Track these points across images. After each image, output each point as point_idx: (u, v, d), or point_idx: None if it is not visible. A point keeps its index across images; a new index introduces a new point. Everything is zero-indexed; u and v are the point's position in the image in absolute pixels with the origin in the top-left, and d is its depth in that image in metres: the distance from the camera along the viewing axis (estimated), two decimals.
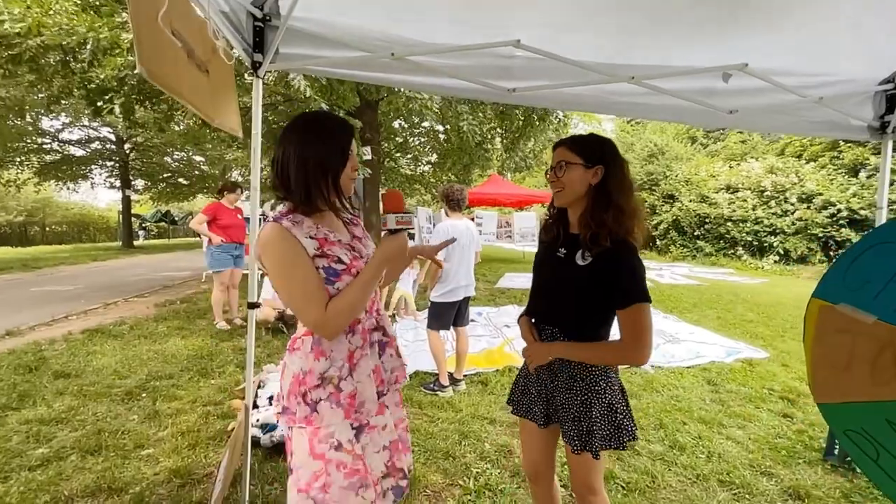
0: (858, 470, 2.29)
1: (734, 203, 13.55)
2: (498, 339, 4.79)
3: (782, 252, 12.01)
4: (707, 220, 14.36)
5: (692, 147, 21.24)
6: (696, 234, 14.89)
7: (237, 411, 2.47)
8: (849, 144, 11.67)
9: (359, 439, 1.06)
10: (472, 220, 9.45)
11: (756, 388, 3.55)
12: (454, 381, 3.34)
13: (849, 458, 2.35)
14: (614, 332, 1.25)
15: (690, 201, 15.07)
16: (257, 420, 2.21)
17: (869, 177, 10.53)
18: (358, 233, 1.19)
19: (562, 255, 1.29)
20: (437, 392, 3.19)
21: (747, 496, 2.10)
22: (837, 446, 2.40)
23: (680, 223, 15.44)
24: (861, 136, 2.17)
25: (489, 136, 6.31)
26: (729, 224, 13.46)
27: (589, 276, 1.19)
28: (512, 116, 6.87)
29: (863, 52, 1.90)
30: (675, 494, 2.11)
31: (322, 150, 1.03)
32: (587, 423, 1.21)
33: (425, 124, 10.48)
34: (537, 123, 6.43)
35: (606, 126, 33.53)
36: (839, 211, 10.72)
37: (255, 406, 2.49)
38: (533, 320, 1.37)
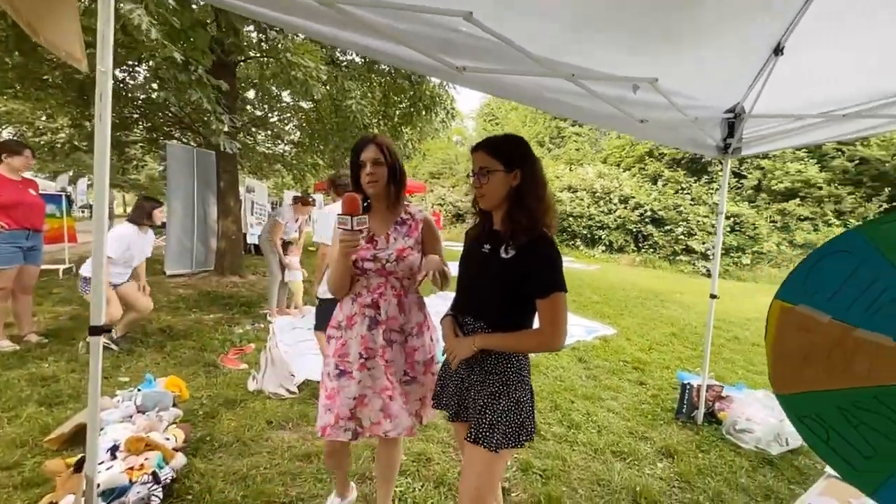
0: (705, 425, 2.85)
1: (574, 201, 15.98)
2: None
3: (608, 243, 14.71)
4: None
5: (541, 150, 24.21)
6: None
7: (56, 476, 1.72)
8: (651, 158, 14.92)
9: (339, 379, 1.43)
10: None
11: (614, 361, 4.17)
12: None
13: (693, 415, 2.92)
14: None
15: None
16: (97, 485, 1.56)
17: (664, 185, 13.71)
18: (394, 230, 1.50)
19: (486, 250, 1.33)
20: None
21: (636, 462, 2.40)
22: (685, 405, 2.95)
23: None
24: (713, 153, 2.66)
25: (375, 120, 5.87)
26: (570, 219, 15.82)
27: (513, 268, 1.24)
28: (395, 103, 6.55)
29: (718, 83, 2.30)
30: (584, 472, 2.27)
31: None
32: (491, 415, 1.24)
33: (287, 99, 9.38)
34: (423, 113, 6.30)
35: (468, 123, 35.74)
36: (646, 211, 13.68)
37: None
38: (459, 318, 1.39)
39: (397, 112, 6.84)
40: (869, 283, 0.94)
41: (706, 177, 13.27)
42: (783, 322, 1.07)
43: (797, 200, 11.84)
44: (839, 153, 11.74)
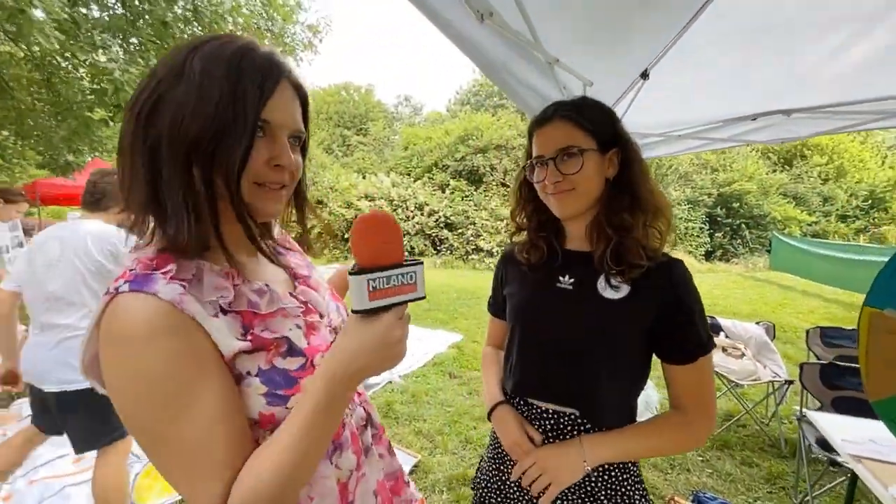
0: None
1: (373, 209, 16.07)
2: None
3: (410, 249, 15.41)
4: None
5: (329, 157, 23.40)
6: (345, 236, 16.50)
7: None
8: (437, 169, 16.44)
9: None
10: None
11: (477, 367, 4.16)
12: None
13: None
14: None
15: (339, 206, 16.54)
16: None
17: (452, 193, 15.41)
18: (294, 262, 0.73)
19: (567, 285, 0.86)
20: None
21: None
22: None
23: (332, 227, 16.64)
24: None
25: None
26: None
27: (629, 315, 0.80)
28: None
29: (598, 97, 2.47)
30: None
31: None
32: None
33: None
34: None
35: None
36: (440, 217, 15.02)
37: None
38: (524, 408, 0.90)
39: None
40: None
41: (483, 186, 15.71)
42: (874, 327, 1.06)
43: None
44: None
